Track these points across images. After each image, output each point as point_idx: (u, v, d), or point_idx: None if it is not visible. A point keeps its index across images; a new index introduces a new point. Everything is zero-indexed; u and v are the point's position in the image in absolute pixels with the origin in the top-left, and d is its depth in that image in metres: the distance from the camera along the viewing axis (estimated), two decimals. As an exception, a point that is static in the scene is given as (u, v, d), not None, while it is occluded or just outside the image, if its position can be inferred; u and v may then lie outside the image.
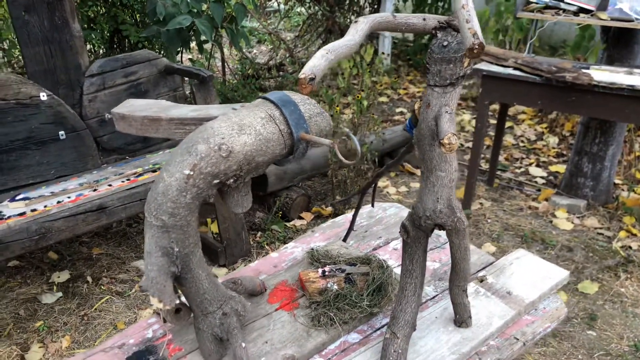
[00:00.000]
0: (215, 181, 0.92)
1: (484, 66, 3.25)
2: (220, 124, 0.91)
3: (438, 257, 1.59)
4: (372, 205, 1.64)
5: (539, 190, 4.01)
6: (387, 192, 3.95)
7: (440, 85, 1.01)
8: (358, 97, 3.15)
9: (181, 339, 1.27)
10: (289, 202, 3.44)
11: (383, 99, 5.77)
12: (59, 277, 2.95)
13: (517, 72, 3.15)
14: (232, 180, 0.94)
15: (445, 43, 0.99)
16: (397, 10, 6.70)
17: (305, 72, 0.79)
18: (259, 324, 1.30)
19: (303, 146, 0.98)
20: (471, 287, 1.43)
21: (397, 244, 1.65)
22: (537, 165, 4.47)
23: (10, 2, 2.58)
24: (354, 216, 1.59)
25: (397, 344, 1.16)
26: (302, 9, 6.03)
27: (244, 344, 1.16)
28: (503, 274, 1.47)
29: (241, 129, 0.91)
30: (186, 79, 3.78)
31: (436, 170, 1.05)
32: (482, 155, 4.55)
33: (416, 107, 1.07)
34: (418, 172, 4.24)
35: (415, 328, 1.21)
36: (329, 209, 3.55)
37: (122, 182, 2.69)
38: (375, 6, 6.49)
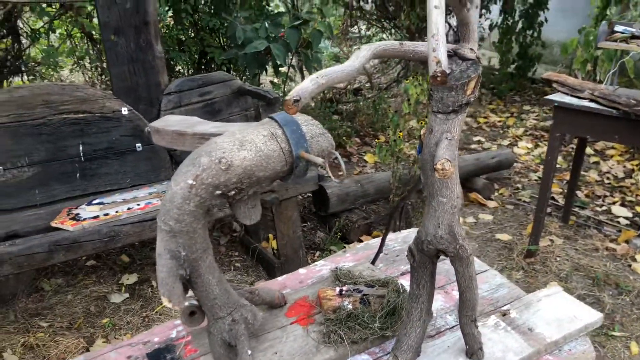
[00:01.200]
0: (217, 192, 0.99)
1: (557, 97, 3.14)
2: (223, 139, 0.98)
3: (466, 287, 1.56)
4: (382, 244, 1.63)
5: (620, 230, 3.76)
6: (453, 222, 3.87)
7: (442, 112, 1.02)
8: (422, 123, 3.15)
9: (198, 342, 1.35)
10: (349, 224, 3.48)
11: (461, 127, 5.68)
12: (127, 279, 3.17)
13: (593, 105, 3.01)
14: (233, 193, 1.01)
15: (448, 71, 1.01)
16: (482, 38, 6.61)
17: (292, 94, 0.84)
18: (272, 335, 1.35)
19: (303, 164, 1.03)
20: (492, 320, 1.39)
21: (426, 270, 1.64)
22: (622, 205, 4.19)
23: (102, 26, 2.85)
24: (383, 239, 1.60)
25: (398, 367, 1.16)
26: (384, 35, 6.11)
27: (249, 351, 1.21)
28: (528, 309, 1.42)
29: (242, 145, 0.98)
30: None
31: (437, 196, 1.06)
32: (561, 190, 4.35)
33: (422, 132, 1.09)
34: (488, 203, 4.13)
35: (419, 354, 1.20)
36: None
37: (187, 193, 2.85)
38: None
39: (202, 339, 1.36)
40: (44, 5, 3.97)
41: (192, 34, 4.45)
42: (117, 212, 2.65)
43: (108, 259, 3.39)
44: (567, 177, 4.53)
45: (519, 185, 4.48)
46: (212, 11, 4.38)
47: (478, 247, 3.57)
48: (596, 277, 3.23)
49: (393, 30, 5.83)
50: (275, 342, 1.33)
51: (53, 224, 2.59)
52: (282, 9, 4.76)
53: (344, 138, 4.87)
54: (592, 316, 1.39)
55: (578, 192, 4.35)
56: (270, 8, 4.85)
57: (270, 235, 3.50)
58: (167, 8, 4.23)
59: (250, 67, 3.73)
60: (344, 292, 1.40)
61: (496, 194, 4.31)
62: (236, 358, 1.24)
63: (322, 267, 1.67)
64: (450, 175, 0.93)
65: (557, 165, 4.86)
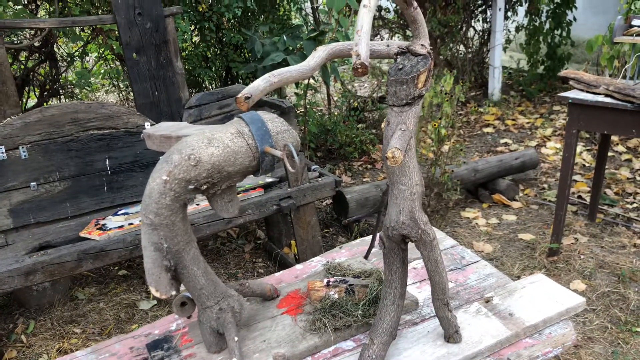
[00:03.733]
0: (190, 186, 1.09)
1: (572, 94, 3.12)
2: (193, 138, 1.08)
3: (455, 278, 1.61)
4: (371, 245, 1.68)
5: (649, 227, 3.68)
6: (477, 224, 3.87)
7: (397, 105, 1.09)
8: (435, 125, 3.19)
9: (194, 333, 1.44)
10: (369, 228, 3.53)
11: (488, 129, 5.66)
12: (156, 286, 3.31)
13: (608, 100, 2.98)
14: (205, 187, 1.10)
15: (400, 67, 1.08)
16: (508, 41, 6.56)
17: (244, 92, 0.93)
18: (262, 325, 1.43)
19: (269, 159, 1.12)
20: (474, 306, 1.44)
21: (418, 263, 1.69)
22: (654, 201, 4.09)
23: (125, 46, 3.03)
24: (374, 234, 1.67)
25: (373, 349, 1.22)
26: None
27: (236, 338, 1.30)
28: (511, 296, 1.45)
29: (210, 142, 1.07)
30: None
31: (397, 184, 1.12)
32: (588, 189, 4.28)
33: (383, 125, 1.16)
34: (513, 204, 4.10)
35: (394, 337, 1.26)
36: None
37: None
38: (485, 37, 6.42)
39: (197, 330, 1.45)
40: (77, 30, 4.22)
41: (218, 50, 4.63)
42: (140, 221, 2.79)
43: (138, 268, 3.55)
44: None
45: (545, 186, 4.42)
46: (237, 28, 4.55)
47: (500, 248, 3.56)
48: (622, 274, 3.17)
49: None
50: (264, 331, 1.41)
51: (81, 234, 2.75)
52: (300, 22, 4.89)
53: (369, 145, 4.93)
54: (573, 300, 1.41)
55: (607, 190, 4.27)
56: (293, 22, 4.99)
57: (293, 242, 3.59)
58: (192, 27, 4.42)
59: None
60: (330, 283, 1.47)
61: (521, 194, 4.27)
62: (225, 345, 1.33)
63: (318, 262, 1.74)
64: (400, 162, 0.99)
65: (587, 165, 4.79)
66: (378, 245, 1.25)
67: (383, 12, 5.88)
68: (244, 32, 4.12)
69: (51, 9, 4.14)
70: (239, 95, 0.93)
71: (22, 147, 2.78)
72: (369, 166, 4.91)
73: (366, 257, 1.69)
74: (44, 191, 2.87)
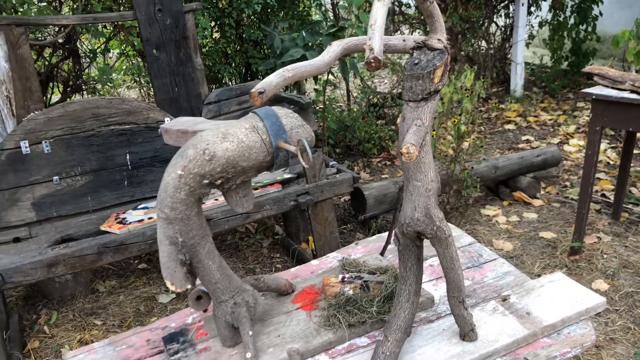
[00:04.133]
0: (205, 181, 1.09)
1: (596, 90, 3.06)
2: (208, 133, 1.08)
3: (472, 276, 1.59)
4: (387, 245, 1.67)
5: (676, 226, 3.59)
6: (497, 221, 3.83)
7: (413, 100, 1.08)
8: (454, 122, 3.16)
9: (209, 326, 1.45)
10: (386, 225, 3.52)
11: (510, 126, 5.58)
12: (175, 280, 3.34)
13: (634, 96, 2.92)
14: (220, 181, 1.11)
15: (416, 61, 1.06)
16: (531, 36, 6.47)
17: (257, 86, 0.93)
18: (277, 320, 1.43)
19: (283, 154, 1.12)
20: (491, 304, 1.42)
21: (435, 260, 1.68)
22: (681, 200, 4.00)
23: (145, 42, 3.06)
24: (390, 231, 1.66)
25: (387, 346, 1.21)
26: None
27: (250, 332, 1.30)
28: (529, 294, 1.43)
29: (225, 137, 1.07)
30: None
31: (412, 180, 1.11)
32: (613, 187, 4.20)
33: (398, 121, 1.15)
34: (534, 201, 4.05)
35: (409, 334, 1.25)
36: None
37: (225, 197, 3.00)
38: (508, 32, 6.34)
39: (213, 323, 1.46)
40: (99, 26, 4.27)
41: (237, 47, 4.64)
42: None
43: (157, 261, 3.58)
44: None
45: (568, 183, 4.35)
46: (257, 24, 4.56)
47: (520, 246, 3.52)
48: (645, 274, 3.11)
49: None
50: (279, 326, 1.41)
51: (102, 228, 2.79)
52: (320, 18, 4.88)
53: (388, 142, 4.91)
54: (593, 300, 1.38)
55: (633, 189, 4.19)
56: (312, 18, 4.98)
57: (310, 237, 3.59)
58: (212, 23, 4.44)
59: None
60: (345, 279, 1.47)
61: (542, 192, 4.21)
62: (240, 339, 1.33)
63: (334, 258, 1.74)
64: (415, 158, 0.98)
65: (612, 163, 4.70)
66: (393, 242, 1.24)
67: (404, 8, 5.84)
68: (263, 29, 4.12)
69: (74, 6, 4.20)
70: (253, 90, 0.93)
71: (45, 142, 2.83)
72: (388, 163, 4.89)
73: (382, 253, 1.68)
74: (66, 185, 2.91)
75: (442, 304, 1.47)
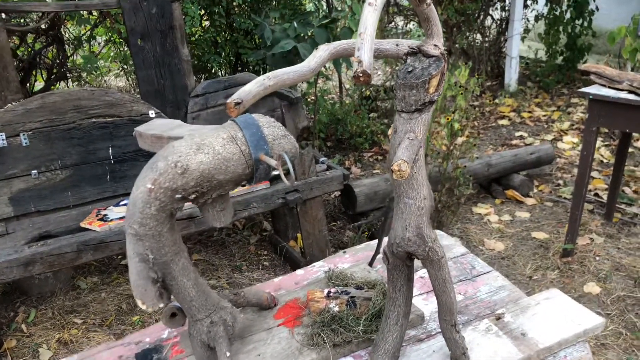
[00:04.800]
0: (177, 196, 1.00)
1: (592, 89, 2.99)
2: (181, 143, 0.99)
3: (464, 290, 1.52)
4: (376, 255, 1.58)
5: (669, 228, 3.55)
6: (488, 220, 3.76)
7: (406, 111, 0.99)
8: (448, 119, 3.07)
9: (186, 343, 1.37)
10: (377, 223, 3.44)
11: (504, 121, 5.51)
12: (158, 277, 3.25)
13: (631, 97, 2.85)
14: (194, 196, 1.02)
15: (410, 69, 0.97)
16: (526, 30, 6.38)
17: (234, 97, 0.84)
18: (257, 337, 1.35)
19: (264, 167, 1.02)
20: (484, 324, 1.34)
21: (425, 272, 1.60)
22: (675, 201, 3.95)
23: (129, 31, 2.94)
24: (379, 241, 1.58)
25: (373, 372, 1.14)
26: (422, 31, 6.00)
27: (228, 353, 1.22)
28: (524, 313, 1.36)
29: (199, 148, 0.98)
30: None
31: (404, 197, 1.03)
32: (606, 187, 4.15)
33: (389, 132, 1.06)
34: (527, 200, 3.98)
35: (397, 358, 1.17)
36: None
37: (211, 194, 2.90)
38: (503, 26, 6.25)
39: (189, 340, 1.37)
40: (84, 13, 4.13)
41: (227, 36, 4.52)
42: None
43: (142, 257, 3.49)
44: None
45: (561, 182, 4.30)
46: (248, 13, 4.43)
47: (512, 246, 3.46)
48: (638, 277, 3.06)
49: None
50: (259, 345, 1.33)
51: (82, 225, 2.69)
52: (313, 8, 4.76)
53: (380, 136, 4.82)
54: (592, 321, 1.31)
55: (626, 189, 4.14)
56: (305, 8, 4.86)
57: (299, 235, 3.51)
58: (201, 10, 4.31)
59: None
60: (331, 294, 1.38)
61: (535, 190, 4.15)
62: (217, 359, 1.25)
63: (320, 268, 1.65)
64: (407, 176, 0.90)
65: (605, 161, 4.64)
66: (382, 261, 1.16)
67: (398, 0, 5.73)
68: (253, 18, 4.00)
69: (58, -9, 4.05)
70: (229, 101, 0.83)
71: (23, 134, 2.71)
72: (380, 157, 4.80)
73: (370, 264, 1.60)
74: (45, 179, 2.81)
75: (433, 321, 1.40)
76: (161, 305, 1.17)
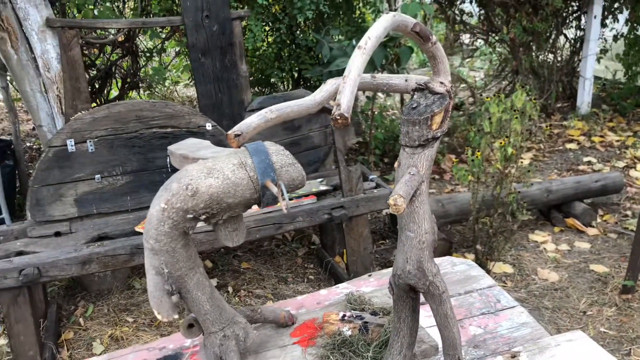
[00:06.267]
0: (189, 216, 1.06)
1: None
2: (193, 167, 1.05)
3: (485, 323, 1.49)
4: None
5: None
6: (545, 249, 3.63)
7: (409, 145, 1.00)
8: (501, 143, 3.00)
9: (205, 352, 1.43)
10: (424, 244, 3.40)
11: (572, 145, 5.29)
12: (207, 283, 3.37)
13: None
14: (204, 217, 1.07)
15: (415, 105, 0.99)
16: (604, 50, 6.08)
17: (234, 129, 0.89)
18: (270, 354, 1.39)
19: (270, 193, 1.07)
20: (498, 361, 1.32)
21: (448, 302, 1.58)
22: None
23: (191, 47, 3.09)
24: (402, 266, 1.58)
25: (373, 400, 1.15)
26: (490, 48, 5.89)
27: (237, 368, 1.27)
28: (542, 354, 1.32)
29: (209, 173, 1.04)
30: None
31: (405, 230, 1.04)
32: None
33: (396, 165, 1.07)
34: (588, 230, 3.81)
35: (399, 388, 1.18)
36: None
37: (258, 206, 2.99)
38: (578, 45, 6.01)
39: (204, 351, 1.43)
40: (156, 28, 4.38)
41: (290, 52, 4.63)
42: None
43: (194, 263, 3.64)
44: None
45: (629, 213, 4.07)
46: (311, 29, 4.53)
47: (567, 277, 3.31)
48: None
49: (497, 45, 5.60)
50: (272, 361, 1.37)
51: (136, 229, 2.85)
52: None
53: (438, 155, 4.76)
54: (612, 369, 1.25)
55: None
56: (367, 25, 4.90)
57: (345, 251, 3.53)
58: (266, 27, 4.45)
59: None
60: (346, 318, 1.40)
61: (599, 220, 3.96)
62: (230, 373, 1.30)
63: (344, 289, 1.68)
64: (403, 211, 0.91)
65: (681, 192, 4.35)
66: (388, 291, 1.17)
67: (465, 17, 5.63)
68: (313, 35, 4.09)
69: (134, 6, 4.32)
70: (229, 132, 0.88)
71: (90, 141, 2.91)
72: (437, 177, 4.74)
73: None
74: (107, 184, 2.99)
75: (448, 353, 1.38)
76: (176, 316, 1.24)
